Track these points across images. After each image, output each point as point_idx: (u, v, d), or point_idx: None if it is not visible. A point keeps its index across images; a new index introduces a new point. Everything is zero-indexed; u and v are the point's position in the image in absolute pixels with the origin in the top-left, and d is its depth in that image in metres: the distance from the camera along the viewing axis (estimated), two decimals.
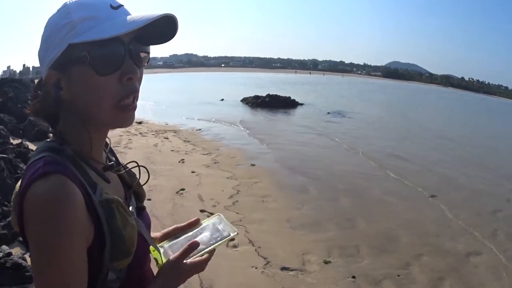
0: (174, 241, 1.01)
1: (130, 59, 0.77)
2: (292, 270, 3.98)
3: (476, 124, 22.74)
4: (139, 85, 0.83)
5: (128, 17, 0.76)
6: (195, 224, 1.06)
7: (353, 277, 3.95)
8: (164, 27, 0.80)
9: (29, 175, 0.72)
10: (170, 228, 1.07)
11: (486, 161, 10.98)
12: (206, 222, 1.07)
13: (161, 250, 0.97)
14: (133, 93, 0.80)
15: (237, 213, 5.29)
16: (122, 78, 0.77)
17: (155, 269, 0.96)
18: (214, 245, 0.98)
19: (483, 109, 40.64)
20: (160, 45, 0.86)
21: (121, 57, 0.76)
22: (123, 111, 0.79)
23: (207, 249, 0.96)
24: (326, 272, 4.02)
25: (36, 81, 0.90)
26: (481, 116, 30.56)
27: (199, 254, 0.95)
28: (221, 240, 0.99)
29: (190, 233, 1.04)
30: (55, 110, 0.83)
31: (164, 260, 0.93)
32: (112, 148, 1.00)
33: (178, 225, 1.07)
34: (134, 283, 0.86)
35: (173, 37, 0.83)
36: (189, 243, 0.92)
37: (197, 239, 0.98)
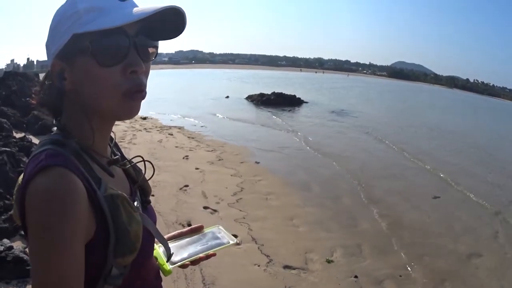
0: (176, 243, 1.04)
1: (135, 52, 0.77)
2: (294, 269, 3.99)
3: (479, 123, 22.63)
4: (146, 79, 0.81)
5: (134, 9, 0.75)
6: (198, 229, 1.11)
7: (355, 276, 3.96)
8: (172, 21, 0.79)
9: (31, 168, 0.71)
10: (176, 232, 1.10)
11: (489, 162, 10.93)
12: (207, 230, 1.12)
13: (161, 249, 1.00)
14: (138, 87, 0.78)
15: (240, 210, 5.31)
16: (126, 70, 0.76)
17: None
18: (214, 249, 1.03)
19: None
20: (167, 40, 0.85)
21: (124, 49, 0.75)
22: (129, 100, 0.78)
23: (205, 252, 1.01)
24: (329, 271, 4.03)
25: (40, 75, 0.90)
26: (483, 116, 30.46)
27: (196, 256, 1.00)
28: (220, 246, 1.04)
29: (193, 237, 1.08)
30: (59, 101, 0.81)
31: (164, 259, 0.96)
32: (117, 143, 0.99)
33: (182, 230, 1.11)
34: (138, 279, 0.85)
35: (181, 32, 0.82)
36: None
37: (197, 243, 1.04)
